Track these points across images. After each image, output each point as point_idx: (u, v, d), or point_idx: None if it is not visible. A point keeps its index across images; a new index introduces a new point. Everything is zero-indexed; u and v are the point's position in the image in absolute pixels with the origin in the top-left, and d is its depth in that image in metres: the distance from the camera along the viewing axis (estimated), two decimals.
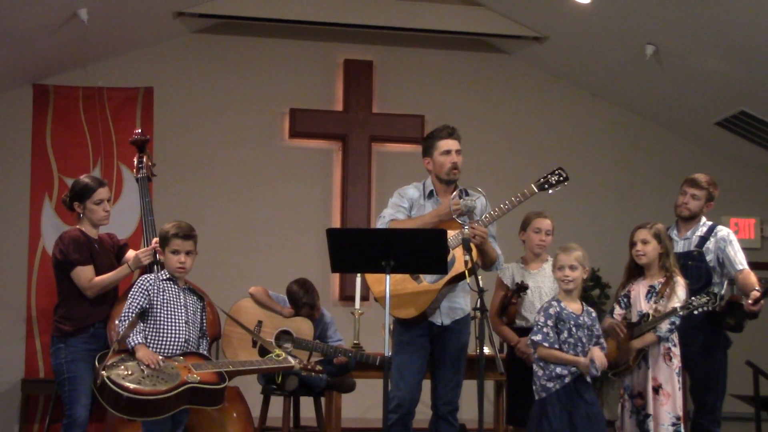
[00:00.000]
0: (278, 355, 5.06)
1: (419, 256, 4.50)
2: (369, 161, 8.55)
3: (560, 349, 4.85)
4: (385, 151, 8.68)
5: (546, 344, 4.86)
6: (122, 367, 4.55)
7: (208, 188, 8.36)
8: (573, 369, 4.84)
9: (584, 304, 5.03)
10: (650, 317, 5.19)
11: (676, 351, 5.21)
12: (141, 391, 4.46)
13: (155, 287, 4.78)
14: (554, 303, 4.96)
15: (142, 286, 4.77)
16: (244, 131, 8.50)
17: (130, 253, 5.15)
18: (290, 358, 5.07)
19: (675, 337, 5.22)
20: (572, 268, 4.94)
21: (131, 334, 4.64)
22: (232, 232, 8.33)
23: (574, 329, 4.88)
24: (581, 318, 4.92)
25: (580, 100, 9.06)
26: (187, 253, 4.84)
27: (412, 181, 5.13)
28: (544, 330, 4.89)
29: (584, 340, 4.89)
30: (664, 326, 5.16)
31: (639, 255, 5.33)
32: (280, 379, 5.76)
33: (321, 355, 6.07)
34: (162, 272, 4.88)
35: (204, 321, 4.97)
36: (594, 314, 5.02)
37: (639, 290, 5.36)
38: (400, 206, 4.99)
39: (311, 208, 8.52)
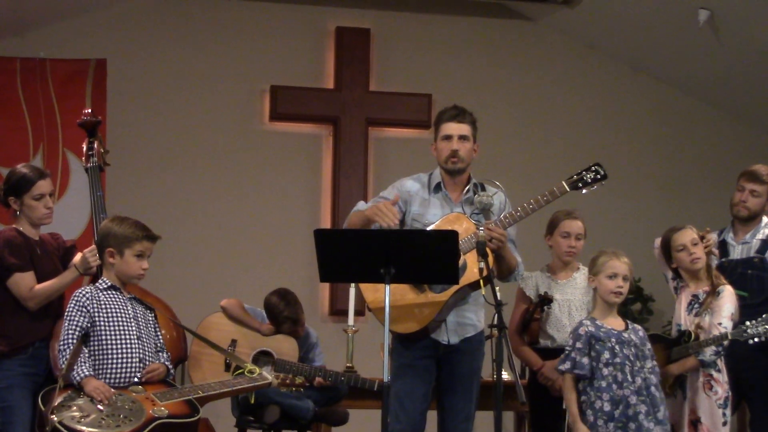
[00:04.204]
0: (251, 372, 5.06)
1: (425, 263, 4.49)
2: (365, 149, 8.56)
3: (597, 375, 4.83)
4: (384, 137, 8.70)
5: (575, 372, 4.86)
6: (74, 408, 4.46)
7: (172, 180, 8.36)
8: (621, 407, 4.79)
9: (628, 321, 5.02)
10: (692, 336, 5.19)
11: (720, 378, 5.21)
12: None
13: (94, 302, 4.71)
14: (585, 322, 4.95)
15: (79, 303, 4.69)
16: (216, 113, 8.50)
17: (78, 257, 5.14)
18: (266, 374, 5.08)
19: (720, 361, 5.22)
20: (625, 278, 4.95)
21: (75, 366, 4.55)
22: (201, 234, 8.33)
23: (617, 347, 4.86)
24: (625, 334, 4.91)
25: (619, 75, 9.07)
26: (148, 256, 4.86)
27: (417, 172, 5.12)
28: (572, 355, 4.89)
29: (632, 358, 4.86)
30: (709, 350, 5.15)
31: (695, 259, 5.32)
32: (253, 399, 5.76)
33: (307, 380, 6.06)
34: (101, 281, 4.83)
35: (159, 332, 4.94)
36: (642, 332, 5.01)
37: (681, 300, 5.36)
38: (381, 197, 4.97)
39: (296, 204, 8.53)
